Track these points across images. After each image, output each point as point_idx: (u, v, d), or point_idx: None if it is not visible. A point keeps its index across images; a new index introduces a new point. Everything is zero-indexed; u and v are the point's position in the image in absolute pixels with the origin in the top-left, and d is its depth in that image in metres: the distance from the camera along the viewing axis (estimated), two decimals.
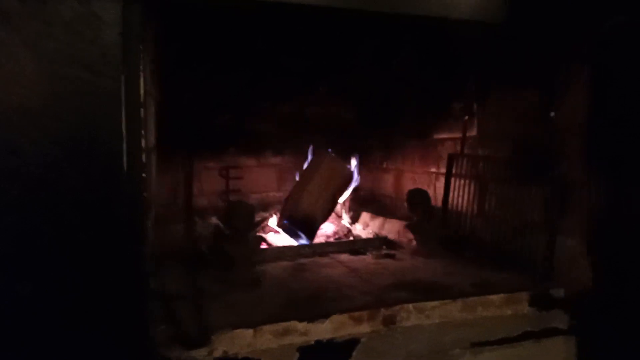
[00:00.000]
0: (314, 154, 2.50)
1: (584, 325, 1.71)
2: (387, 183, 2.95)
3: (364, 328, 1.49)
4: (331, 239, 2.42)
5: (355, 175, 2.45)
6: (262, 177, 2.89)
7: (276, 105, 2.70)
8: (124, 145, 1.03)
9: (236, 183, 2.41)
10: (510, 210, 1.98)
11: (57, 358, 1.07)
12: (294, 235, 2.25)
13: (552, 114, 1.82)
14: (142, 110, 1.07)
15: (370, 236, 2.41)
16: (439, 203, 2.33)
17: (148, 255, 1.16)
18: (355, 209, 2.75)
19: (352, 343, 1.47)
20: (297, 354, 1.41)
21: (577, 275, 1.73)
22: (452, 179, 2.28)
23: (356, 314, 1.48)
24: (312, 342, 1.43)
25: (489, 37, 1.90)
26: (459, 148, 2.29)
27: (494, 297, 1.63)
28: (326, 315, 1.45)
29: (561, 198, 1.79)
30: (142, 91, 1.06)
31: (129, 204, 1.05)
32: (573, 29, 1.71)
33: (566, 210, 1.78)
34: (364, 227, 2.56)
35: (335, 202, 2.40)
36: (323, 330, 1.44)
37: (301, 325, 1.42)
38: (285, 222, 2.24)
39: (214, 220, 2.37)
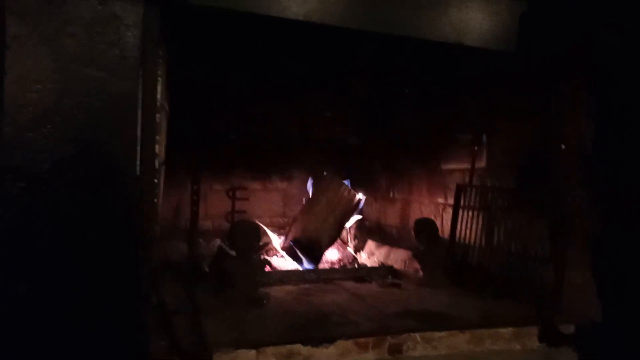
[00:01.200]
0: (320, 179, 2.48)
1: None
2: (394, 213, 2.91)
3: (370, 356, 1.44)
4: (336, 266, 2.38)
5: (362, 201, 2.42)
6: (268, 201, 2.87)
7: (282, 129, 2.70)
8: (138, 148, 1.01)
9: (242, 205, 2.38)
10: (517, 241, 1.95)
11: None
12: (298, 259, 2.21)
13: (563, 146, 1.81)
14: (157, 115, 1.06)
15: (376, 265, 2.37)
16: (446, 234, 2.30)
17: (154, 260, 1.12)
18: (361, 238, 2.72)
19: None
20: None
21: (586, 310, 1.68)
22: (460, 211, 2.24)
23: (362, 340, 1.44)
24: None
25: (499, 65, 1.90)
26: (467, 179, 2.26)
27: (503, 331, 1.59)
28: (331, 340, 1.41)
29: (566, 229, 1.76)
30: (158, 95, 1.05)
31: (138, 208, 1.02)
32: (579, 59, 1.72)
33: (572, 240, 1.75)
34: (369, 256, 2.53)
35: (341, 228, 2.37)
36: (327, 355, 1.40)
37: (305, 349, 1.38)
38: (290, 244, 2.20)
39: (218, 242, 2.35)
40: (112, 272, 1.06)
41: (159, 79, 1.05)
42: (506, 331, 1.59)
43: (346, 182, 2.43)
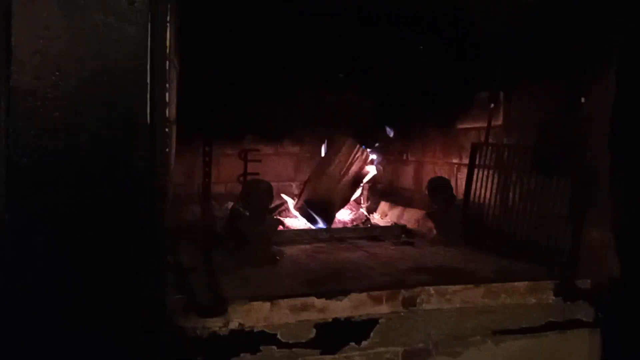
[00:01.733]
0: (332, 141, 2.46)
1: (610, 318, 1.65)
2: (407, 175, 2.90)
3: (384, 308, 1.44)
4: (349, 226, 2.38)
5: (375, 162, 2.40)
6: (280, 165, 2.86)
7: (295, 91, 2.67)
8: (148, 96, 1.00)
9: (254, 168, 2.38)
10: (534, 200, 1.92)
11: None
12: (311, 219, 2.21)
13: (583, 99, 1.77)
14: (167, 62, 1.04)
15: (389, 224, 2.36)
16: (461, 194, 2.28)
17: (169, 216, 1.12)
18: (374, 200, 2.71)
19: (370, 323, 1.43)
20: (314, 331, 1.37)
21: (604, 267, 1.67)
22: (475, 170, 2.22)
23: (376, 293, 1.44)
24: (330, 320, 1.39)
25: (520, 19, 1.85)
26: (482, 138, 2.23)
27: (519, 284, 1.58)
28: (345, 293, 1.41)
29: (587, 188, 1.73)
30: (167, 43, 1.03)
31: (149, 157, 1.01)
32: (602, 15, 1.66)
33: (592, 200, 1.72)
34: (382, 217, 2.52)
35: (354, 188, 2.37)
36: (341, 307, 1.40)
37: (319, 302, 1.38)
38: (303, 204, 2.20)
39: (231, 204, 2.35)
40: (127, 224, 1.06)
41: (168, 25, 1.03)
42: (521, 285, 1.58)
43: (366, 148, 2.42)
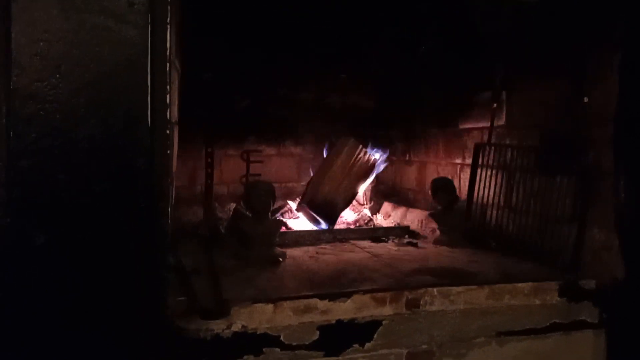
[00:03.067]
0: (335, 141, 2.46)
1: (615, 319, 1.64)
2: (410, 176, 2.89)
3: (387, 310, 1.44)
4: (352, 227, 2.37)
5: (378, 163, 2.39)
6: (282, 166, 2.85)
7: (296, 92, 2.66)
8: (149, 98, 0.99)
9: (256, 169, 2.37)
10: (537, 201, 1.91)
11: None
12: (314, 220, 2.21)
13: (586, 99, 1.76)
14: (168, 64, 1.04)
15: (392, 225, 2.35)
16: (464, 196, 2.27)
17: (169, 216, 1.12)
18: (377, 201, 2.70)
19: (374, 325, 1.42)
20: (318, 333, 1.36)
21: (608, 267, 1.66)
22: (478, 170, 2.21)
23: (379, 295, 1.43)
24: (333, 322, 1.38)
25: (522, 20, 1.84)
26: (485, 138, 2.22)
27: (523, 285, 1.57)
28: (348, 295, 1.41)
29: (590, 188, 1.72)
30: (168, 44, 1.03)
31: (150, 159, 1.01)
32: (605, 11, 1.65)
33: (595, 200, 1.71)
34: (386, 217, 2.51)
35: (357, 189, 2.36)
36: (344, 309, 1.40)
37: (322, 304, 1.38)
38: (306, 206, 2.19)
39: (234, 205, 2.34)
40: (128, 226, 1.06)
41: (168, 27, 1.03)
42: (525, 286, 1.57)
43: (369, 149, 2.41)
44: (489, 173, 2.14)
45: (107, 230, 1.04)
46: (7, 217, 0.99)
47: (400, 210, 2.46)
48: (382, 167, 2.47)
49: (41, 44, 0.95)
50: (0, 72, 0.96)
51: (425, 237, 2.20)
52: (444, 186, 2.21)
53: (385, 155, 2.48)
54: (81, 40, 0.97)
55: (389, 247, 2.03)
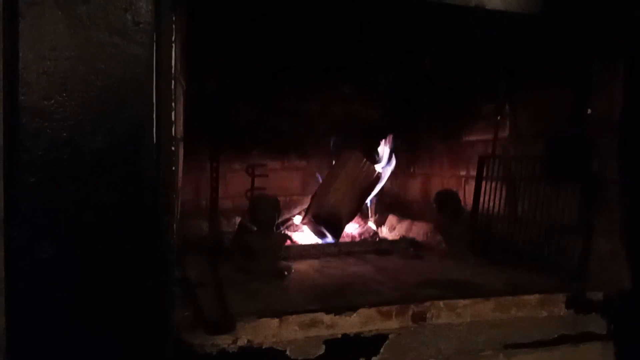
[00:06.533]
0: (340, 154, 2.46)
1: (622, 330, 1.63)
2: (414, 188, 2.89)
3: (393, 324, 1.43)
4: (357, 240, 2.37)
5: (383, 175, 2.39)
6: (287, 180, 2.86)
7: (301, 103, 2.68)
8: (154, 115, 1.00)
9: (261, 183, 2.38)
10: (542, 211, 1.91)
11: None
12: (319, 234, 2.21)
13: (589, 110, 1.76)
14: (173, 82, 1.05)
15: (397, 238, 2.35)
16: (469, 207, 2.27)
17: (175, 230, 1.12)
18: (382, 213, 2.70)
19: (380, 338, 1.41)
20: (324, 347, 1.35)
21: (615, 278, 1.65)
22: (483, 182, 2.21)
23: (385, 308, 1.43)
24: (339, 336, 1.37)
25: (523, 29, 1.85)
26: (489, 150, 2.23)
27: (530, 297, 1.56)
28: (354, 309, 1.40)
29: (595, 197, 1.72)
30: (173, 62, 1.04)
31: (156, 175, 1.02)
32: (608, 21, 1.66)
33: (601, 209, 1.71)
34: (390, 230, 2.51)
35: (361, 202, 2.36)
36: (350, 323, 1.39)
37: (328, 318, 1.37)
38: (310, 219, 2.19)
39: (239, 219, 2.35)
40: (134, 240, 1.06)
41: (173, 45, 1.04)
42: (532, 298, 1.56)
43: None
44: (493, 185, 2.14)
45: (114, 245, 1.05)
46: (15, 230, 0.99)
47: (406, 222, 2.46)
48: (386, 179, 2.47)
49: (48, 62, 0.97)
50: (8, 89, 0.98)
51: (431, 250, 2.19)
52: (448, 198, 2.21)
53: (390, 167, 2.48)
54: (87, 57, 0.98)
55: (395, 260, 2.03)
